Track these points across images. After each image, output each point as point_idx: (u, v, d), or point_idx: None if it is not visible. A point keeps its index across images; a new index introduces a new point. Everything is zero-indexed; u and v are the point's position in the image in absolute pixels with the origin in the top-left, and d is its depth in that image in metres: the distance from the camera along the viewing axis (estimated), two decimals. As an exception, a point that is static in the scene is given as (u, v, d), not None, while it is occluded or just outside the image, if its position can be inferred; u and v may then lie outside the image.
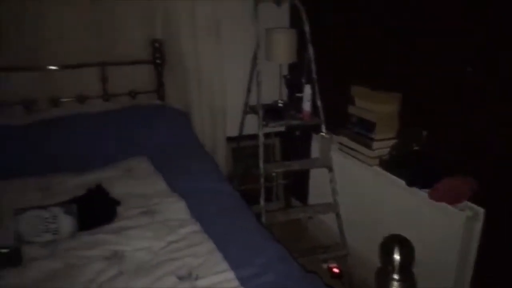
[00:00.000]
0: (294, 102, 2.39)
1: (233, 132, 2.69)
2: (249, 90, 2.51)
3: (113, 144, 2.15)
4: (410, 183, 1.82)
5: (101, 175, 1.92)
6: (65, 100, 2.33)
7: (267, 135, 2.31)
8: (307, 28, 2.29)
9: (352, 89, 2.15)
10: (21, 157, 1.97)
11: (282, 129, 2.83)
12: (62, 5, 2.21)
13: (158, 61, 2.47)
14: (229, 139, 2.70)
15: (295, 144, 2.77)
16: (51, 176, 1.92)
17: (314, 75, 2.28)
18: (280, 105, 2.49)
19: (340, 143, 2.20)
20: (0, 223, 1.57)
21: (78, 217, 1.55)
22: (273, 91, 2.53)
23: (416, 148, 1.90)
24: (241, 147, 2.69)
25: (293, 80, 2.49)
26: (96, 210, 1.62)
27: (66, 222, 1.53)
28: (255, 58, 2.34)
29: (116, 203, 1.68)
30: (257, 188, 2.19)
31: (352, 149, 2.12)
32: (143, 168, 2.03)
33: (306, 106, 2.28)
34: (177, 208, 1.71)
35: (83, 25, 2.28)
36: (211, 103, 2.55)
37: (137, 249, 1.46)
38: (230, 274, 1.34)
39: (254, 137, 2.49)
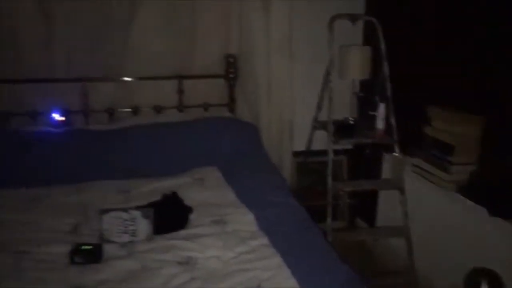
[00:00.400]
0: (366, 120, 2.34)
1: (299, 146, 2.69)
2: (319, 106, 2.50)
3: (185, 153, 2.23)
4: (493, 212, 1.69)
5: (174, 182, 2.01)
6: (144, 109, 2.47)
7: (334, 152, 2.27)
8: (383, 46, 2.25)
9: (429, 109, 2.06)
10: (104, 160, 2.11)
11: (350, 146, 2.78)
12: (146, 17, 2.35)
13: (231, 75, 2.55)
14: (295, 154, 2.70)
15: (363, 162, 2.71)
16: (130, 180, 2.04)
17: (389, 93, 2.23)
18: (351, 122, 2.45)
19: (414, 165, 2.11)
20: (86, 221, 1.69)
21: (154, 221, 1.62)
22: (343, 107, 2.50)
23: (499, 175, 1.78)
24: (307, 162, 2.68)
25: (366, 98, 2.44)
26: (171, 216, 1.69)
27: (143, 225, 1.61)
28: (327, 74, 2.34)
29: (189, 210, 1.74)
30: (321, 204, 2.16)
31: (427, 171, 2.03)
32: (214, 178, 2.09)
33: (380, 124, 2.22)
34: (246, 220, 1.73)
35: (164, 38, 2.41)
36: (279, 118, 2.58)
37: (209, 257, 1.49)
38: (299, 291, 1.32)
39: (321, 153, 2.47)
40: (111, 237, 1.58)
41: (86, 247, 1.49)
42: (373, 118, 2.25)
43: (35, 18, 2.17)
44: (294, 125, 2.61)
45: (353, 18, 2.36)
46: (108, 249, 1.52)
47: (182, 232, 1.64)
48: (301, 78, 2.57)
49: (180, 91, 2.50)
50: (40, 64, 2.25)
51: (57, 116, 2.29)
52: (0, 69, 2.19)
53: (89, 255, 1.47)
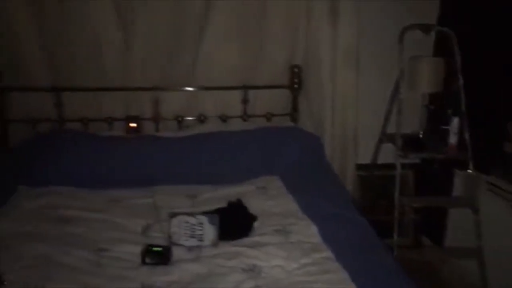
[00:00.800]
0: (437, 134, 2.24)
1: (362, 159, 2.63)
2: (387, 119, 2.44)
3: (248, 161, 2.27)
4: None
5: (238, 190, 2.05)
6: (210, 118, 2.55)
7: (401, 166, 2.19)
8: (458, 57, 2.15)
9: (509, 125, 1.93)
10: (172, 166, 2.20)
11: (418, 161, 2.67)
12: (216, 29, 2.43)
13: (295, 86, 2.57)
14: (358, 167, 2.64)
15: (432, 178, 2.58)
16: (196, 185, 2.12)
17: (463, 107, 2.12)
18: (420, 135, 2.36)
19: (490, 183, 1.98)
20: (155, 223, 1.78)
21: (220, 227, 1.67)
22: (412, 121, 2.41)
23: None
24: (371, 176, 2.61)
25: (436, 111, 2.34)
26: (236, 223, 1.72)
27: (210, 231, 1.65)
28: (397, 86, 2.28)
29: (254, 218, 1.76)
30: (383, 220, 2.08)
31: (504, 190, 1.89)
32: (276, 187, 2.11)
33: (453, 139, 2.12)
34: (310, 232, 1.72)
35: (232, 49, 2.48)
36: (344, 130, 2.55)
37: (273, 266, 1.51)
38: (366, 309, 1.29)
39: (385, 166, 2.40)
40: (179, 241, 1.65)
41: (157, 248, 1.56)
42: (445, 132, 2.15)
43: (115, 30, 2.33)
44: (358, 137, 2.56)
45: (426, 29, 2.28)
46: (176, 251, 1.59)
47: (246, 240, 1.67)
48: (367, 89, 2.53)
49: (245, 101, 2.55)
50: (117, 74, 2.40)
51: (130, 123, 2.44)
52: (83, 78, 2.37)
53: (159, 256, 1.53)
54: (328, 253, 1.58)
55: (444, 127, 2.16)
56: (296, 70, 2.54)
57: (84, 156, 2.12)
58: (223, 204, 1.85)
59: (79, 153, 2.13)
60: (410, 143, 2.23)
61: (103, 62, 2.36)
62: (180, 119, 2.51)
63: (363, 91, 2.52)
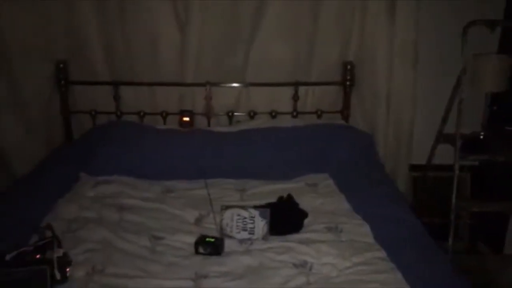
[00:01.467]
0: (500, 135, 2.12)
1: (416, 160, 2.55)
2: (445, 118, 2.34)
3: (298, 158, 2.26)
4: None
5: (287, 186, 2.05)
6: (260, 113, 2.57)
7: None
8: (528, 54, 2.02)
9: None
10: (223, 159, 2.24)
11: (476, 163, 2.54)
12: (268, 26, 2.43)
13: (347, 82, 2.53)
14: (411, 167, 2.56)
15: (492, 182, 2.45)
16: (245, 180, 2.15)
17: (530, 107, 1.99)
18: (481, 137, 2.24)
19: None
20: (207, 215, 1.82)
21: (270, 221, 1.68)
22: (471, 121, 2.30)
23: None
24: (426, 177, 2.52)
25: (500, 112, 2.21)
26: (286, 218, 1.73)
27: (261, 225, 1.67)
28: (458, 84, 2.18)
29: (305, 215, 1.76)
30: (438, 223, 2.00)
31: None
32: (327, 185, 2.09)
33: (517, 141, 2.00)
34: (362, 231, 1.70)
35: (284, 45, 2.47)
36: (398, 128, 2.47)
37: (324, 263, 1.50)
38: (422, 312, 1.25)
39: (441, 168, 2.31)
40: (230, 233, 1.68)
41: (210, 239, 1.60)
42: (509, 134, 2.02)
43: (172, 29, 2.40)
44: (413, 137, 2.48)
45: (491, 24, 2.15)
46: (227, 243, 1.62)
47: (297, 236, 1.67)
48: (425, 87, 2.43)
49: (296, 97, 2.55)
50: (172, 70, 2.48)
51: (184, 117, 2.51)
52: (140, 73, 2.47)
53: (212, 247, 1.57)
54: (381, 253, 1.55)
55: (508, 128, 2.04)
56: (349, 66, 2.50)
57: (140, 148, 2.20)
58: (271, 199, 1.86)
59: (136, 145, 2.22)
60: (469, 144, 2.12)
61: (159, 58, 2.44)
62: (231, 114, 2.55)
63: (420, 89, 2.43)
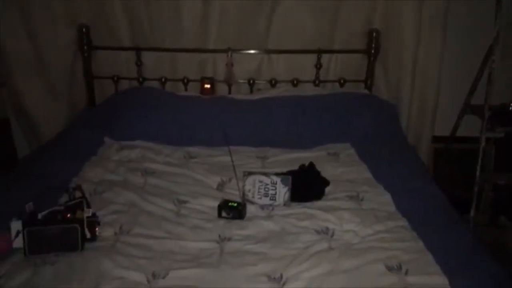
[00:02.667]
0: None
1: (439, 131, 2.50)
2: (473, 89, 2.28)
3: (319, 127, 2.25)
4: None
5: (309, 155, 2.05)
6: (281, 82, 2.54)
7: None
8: None
9: None
10: (243, 127, 2.24)
11: (502, 135, 2.48)
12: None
13: (372, 51, 2.46)
14: (434, 139, 2.52)
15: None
16: (266, 148, 2.15)
17: None
18: (511, 108, 2.18)
19: None
20: (229, 180, 1.85)
21: (292, 189, 1.69)
22: (500, 92, 2.23)
23: None
24: (449, 149, 2.48)
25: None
26: (308, 186, 1.74)
27: (282, 191, 1.69)
28: (490, 53, 2.10)
29: (326, 183, 1.77)
30: (460, 195, 1.99)
31: None
32: (348, 155, 2.09)
33: (549, 113, 1.94)
34: (383, 200, 1.70)
35: (308, 12, 2.41)
36: (422, 98, 2.42)
37: (346, 230, 1.52)
38: (443, 279, 1.27)
39: (464, 140, 2.27)
40: (252, 198, 1.70)
41: (232, 204, 1.62)
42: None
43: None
44: (438, 107, 2.43)
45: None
46: (249, 209, 1.65)
47: (318, 203, 1.69)
48: (453, 55, 2.36)
49: (318, 66, 2.50)
50: (194, 36, 2.45)
51: (205, 84, 2.51)
52: (161, 39, 2.45)
53: (234, 211, 1.60)
54: (403, 222, 1.56)
55: (540, 99, 1.98)
56: (374, 34, 2.43)
57: (163, 113, 2.22)
58: (292, 167, 1.87)
59: (158, 110, 2.23)
60: (496, 116, 2.07)
61: (181, 25, 2.41)
62: (252, 82, 2.53)
63: (448, 58, 2.36)
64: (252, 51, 2.48)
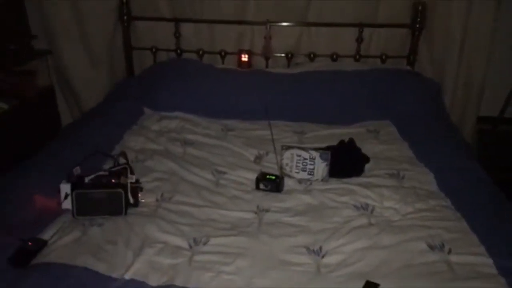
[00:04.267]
0: None
1: (485, 111, 2.40)
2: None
3: (359, 103, 2.21)
4: None
5: (348, 131, 2.02)
6: (320, 56, 2.49)
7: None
8: None
9: None
10: (281, 101, 2.22)
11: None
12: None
13: (417, 25, 2.36)
14: (479, 119, 2.42)
15: None
16: (303, 123, 2.13)
17: None
18: None
19: None
20: (266, 154, 1.85)
21: (331, 164, 1.68)
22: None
23: None
24: (495, 131, 2.37)
25: None
26: (347, 162, 1.71)
27: (321, 166, 1.68)
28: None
29: (366, 159, 1.74)
30: (504, 178, 1.90)
31: None
32: (389, 132, 2.04)
33: None
34: (425, 179, 1.67)
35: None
36: (469, 77, 2.32)
37: (386, 207, 1.50)
38: (487, 260, 1.24)
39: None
40: (290, 172, 1.70)
41: (271, 177, 1.63)
42: None
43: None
44: (485, 86, 2.32)
45: None
46: (287, 182, 1.65)
47: (357, 179, 1.67)
48: (504, 31, 2.22)
49: (360, 40, 2.43)
50: (233, 9, 2.41)
51: (242, 57, 2.48)
52: (200, 11, 2.43)
53: (272, 184, 1.61)
54: (446, 202, 1.52)
55: None
56: (420, 7, 2.32)
57: (201, 86, 2.22)
58: (330, 143, 1.84)
59: (197, 82, 2.24)
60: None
61: None
62: (290, 55, 2.49)
63: (498, 35, 2.23)
64: (291, 24, 2.43)
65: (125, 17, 2.46)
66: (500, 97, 2.34)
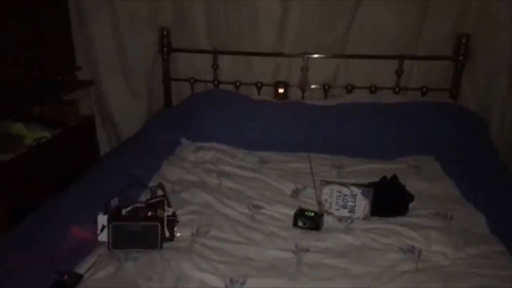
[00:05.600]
0: None
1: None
2: None
3: (399, 137, 2.14)
4: None
5: (388, 166, 1.95)
6: (358, 88, 2.44)
7: None
8: None
9: None
10: (318, 134, 2.18)
11: None
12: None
13: (460, 57, 2.29)
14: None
15: None
16: (342, 156, 2.07)
17: None
18: None
19: None
20: (304, 188, 1.79)
21: (373, 201, 1.60)
22: None
23: None
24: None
25: None
26: (391, 200, 1.63)
27: (362, 204, 1.60)
28: None
29: (411, 197, 1.65)
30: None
31: None
32: (432, 169, 1.95)
33: None
34: (475, 220, 1.56)
35: (391, 16, 2.29)
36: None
37: (434, 251, 1.40)
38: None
39: None
40: (329, 209, 1.63)
41: (309, 213, 1.56)
42: None
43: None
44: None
45: None
46: (326, 219, 1.58)
47: (402, 219, 1.57)
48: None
49: (399, 72, 2.37)
50: (270, 41, 2.42)
51: (279, 88, 2.48)
52: (238, 43, 2.45)
53: (311, 221, 1.54)
54: (500, 247, 1.41)
55: None
56: (464, 39, 2.25)
57: (237, 117, 2.22)
58: (370, 179, 1.77)
59: (233, 114, 2.24)
60: None
61: (259, 30, 2.39)
62: (327, 87, 2.46)
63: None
64: (328, 56, 2.41)
65: (165, 49, 2.52)
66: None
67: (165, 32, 2.49)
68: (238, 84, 2.52)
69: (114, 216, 1.39)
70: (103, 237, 1.39)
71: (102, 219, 1.39)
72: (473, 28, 2.25)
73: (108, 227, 1.36)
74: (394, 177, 1.73)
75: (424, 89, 2.39)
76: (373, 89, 2.43)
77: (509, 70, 2.16)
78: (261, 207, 1.65)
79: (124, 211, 1.42)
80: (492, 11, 2.16)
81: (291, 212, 1.58)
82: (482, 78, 2.27)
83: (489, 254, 1.38)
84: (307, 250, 1.41)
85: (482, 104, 2.30)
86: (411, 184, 1.76)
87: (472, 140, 2.11)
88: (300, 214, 1.56)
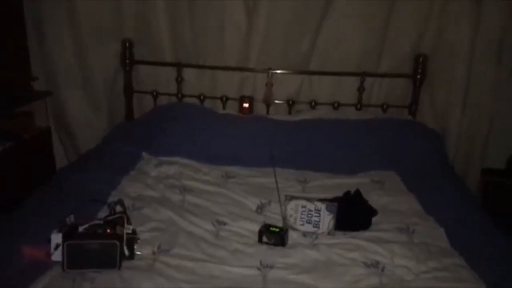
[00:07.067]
0: None
1: (490, 164, 2.37)
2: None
3: (361, 152, 2.18)
4: None
5: (351, 181, 1.97)
6: (322, 104, 2.48)
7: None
8: None
9: None
10: (282, 149, 2.17)
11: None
12: (338, 16, 2.32)
13: (418, 76, 2.38)
14: (484, 171, 2.38)
15: None
16: (306, 171, 2.08)
17: None
18: None
19: None
20: (268, 204, 1.77)
21: (337, 216, 1.60)
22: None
23: None
24: (502, 183, 2.33)
25: None
26: (354, 214, 1.64)
27: (327, 219, 1.60)
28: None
29: (374, 212, 1.67)
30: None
31: None
32: (394, 184, 1.99)
33: None
34: (436, 234, 1.59)
35: (353, 36, 2.36)
36: (473, 129, 2.31)
37: (397, 265, 1.41)
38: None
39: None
40: (294, 224, 1.62)
41: (274, 229, 1.54)
42: None
43: (239, 12, 2.33)
44: (490, 138, 2.31)
45: None
46: (291, 235, 1.56)
47: (365, 233, 1.59)
48: (507, 85, 2.25)
49: (361, 89, 2.43)
50: (235, 55, 2.42)
51: (244, 103, 2.47)
52: (203, 56, 2.43)
53: (276, 237, 1.52)
54: (461, 260, 1.44)
55: None
56: (421, 59, 2.35)
57: (201, 131, 2.18)
58: (334, 193, 1.79)
59: (197, 128, 2.20)
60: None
61: (224, 43, 2.38)
62: (291, 102, 2.48)
63: (502, 87, 2.25)
64: (292, 72, 2.44)
65: (127, 61, 2.46)
66: (506, 149, 2.31)
67: (127, 44, 2.43)
68: (202, 97, 2.49)
69: (69, 233, 1.31)
70: (57, 256, 1.30)
71: (56, 238, 1.31)
72: (430, 49, 2.35)
73: (63, 246, 1.28)
74: (358, 192, 1.74)
75: (385, 106, 2.46)
76: (336, 105, 2.47)
77: (464, 88, 2.27)
78: (225, 223, 1.61)
79: (80, 229, 1.35)
80: (448, 32, 2.26)
81: (256, 228, 1.55)
82: (440, 96, 2.37)
83: (450, 267, 1.41)
84: (272, 267, 1.38)
85: (439, 120, 2.38)
86: (374, 198, 1.79)
87: (431, 156, 2.18)
88: (265, 230, 1.54)
